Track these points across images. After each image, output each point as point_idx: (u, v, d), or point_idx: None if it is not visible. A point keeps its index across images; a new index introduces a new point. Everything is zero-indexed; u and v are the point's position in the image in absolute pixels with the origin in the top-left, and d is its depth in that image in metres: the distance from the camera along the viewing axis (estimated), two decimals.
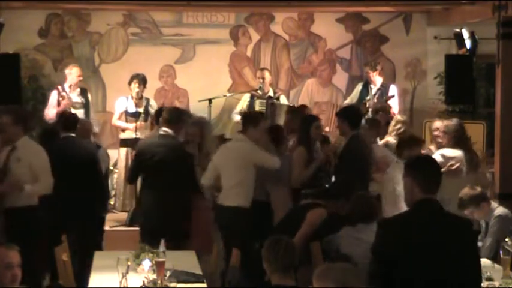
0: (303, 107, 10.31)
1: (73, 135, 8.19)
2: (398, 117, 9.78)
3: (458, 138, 8.34)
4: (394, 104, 10.92)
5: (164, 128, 8.06)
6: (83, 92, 10.66)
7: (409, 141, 7.90)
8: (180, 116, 8.18)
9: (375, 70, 11.07)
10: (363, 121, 9.18)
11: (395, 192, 7.44)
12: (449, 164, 8.07)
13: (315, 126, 8.35)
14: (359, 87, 11.20)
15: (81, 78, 10.69)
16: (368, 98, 10.84)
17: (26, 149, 7.28)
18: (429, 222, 4.49)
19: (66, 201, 7.82)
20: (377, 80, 11.01)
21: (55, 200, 7.55)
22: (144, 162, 8.01)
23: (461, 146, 8.30)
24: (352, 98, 11.15)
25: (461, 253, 4.48)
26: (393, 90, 11.01)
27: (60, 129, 8.27)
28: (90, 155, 8.26)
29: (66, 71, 10.68)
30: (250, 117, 8.07)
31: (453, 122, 8.50)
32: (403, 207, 4.96)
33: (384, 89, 10.94)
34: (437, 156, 8.04)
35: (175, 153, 7.92)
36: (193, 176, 7.89)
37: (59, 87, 10.49)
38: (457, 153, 8.22)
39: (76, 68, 10.67)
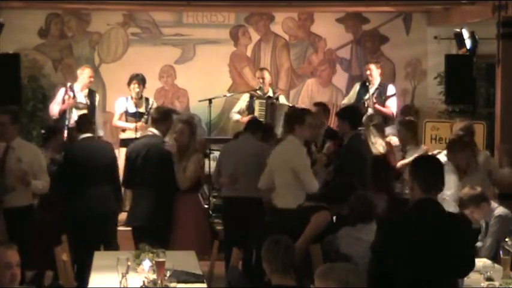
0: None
1: (91, 135, 8.36)
2: (406, 118, 9.77)
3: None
4: (393, 104, 10.92)
5: (150, 128, 8.27)
6: (91, 94, 10.68)
7: (461, 144, 7.91)
8: (165, 115, 8.24)
9: (379, 68, 11.05)
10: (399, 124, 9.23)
11: (442, 196, 7.41)
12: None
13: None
14: (357, 87, 11.17)
15: (92, 79, 10.73)
16: (367, 97, 10.82)
17: (25, 149, 7.51)
18: (428, 221, 4.50)
19: (92, 199, 8.01)
20: (376, 79, 10.99)
21: (82, 199, 7.92)
22: (132, 162, 8.12)
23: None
24: (349, 98, 11.11)
25: (460, 252, 4.48)
26: (391, 89, 11.00)
27: (77, 131, 8.37)
28: (112, 154, 8.46)
29: (78, 71, 10.72)
30: (295, 116, 7.91)
31: (459, 123, 8.64)
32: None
33: (382, 89, 10.93)
34: (441, 156, 8.19)
35: (155, 152, 8.00)
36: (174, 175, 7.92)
37: (68, 85, 10.50)
38: None
39: (88, 69, 10.72)
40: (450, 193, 7.62)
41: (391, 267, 4.47)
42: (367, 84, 10.95)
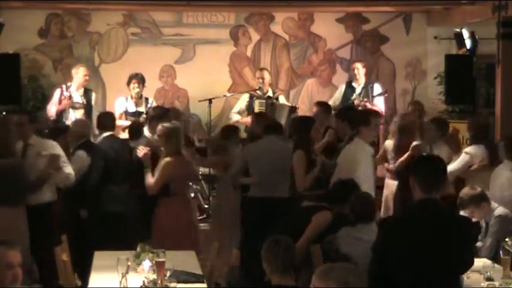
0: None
1: (113, 133, 8.50)
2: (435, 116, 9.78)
3: (476, 134, 8.56)
4: (380, 103, 10.93)
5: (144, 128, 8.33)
6: (87, 93, 10.65)
7: None
8: (160, 115, 8.23)
9: (364, 67, 11.12)
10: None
11: (501, 196, 7.41)
12: (479, 160, 8.33)
13: (315, 128, 8.28)
14: (342, 87, 11.20)
15: (87, 77, 10.67)
16: (354, 97, 10.85)
17: (43, 144, 7.61)
18: (429, 222, 4.48)
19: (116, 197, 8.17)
20: (362, 78, 11.03)
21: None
22: None
23: (480, 142, 8.43)
24: (335, 100, 11.10)
25: (461, 252, 4.48)
26: (378, 88, 11.05)
27: (99, 129, 8.50)
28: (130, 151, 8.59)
29: (73, 71, 10.67)
30: (360, 117, 7.91)
31: (474, 119, 8.70)
32: None
33: (369, 88, 10.97)
34: (463, 154, 8.34)
35: (127, 155, 8.18)
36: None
37: (64, 86, 10.50)
38: (476, 149, 8.41)
39: (83, 68, 10.69)
40: (508, 194, 7.57)
41: (392, 267, 4.47)
42: (353, 84, 11.00)
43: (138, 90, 10.55)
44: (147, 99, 10.73)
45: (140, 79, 10.59)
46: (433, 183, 4.54)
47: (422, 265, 4.43)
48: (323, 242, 6.57)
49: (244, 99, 11.19)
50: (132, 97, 10.59)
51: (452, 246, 4.46)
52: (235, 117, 11.18)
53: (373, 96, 10.88)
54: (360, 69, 11.02)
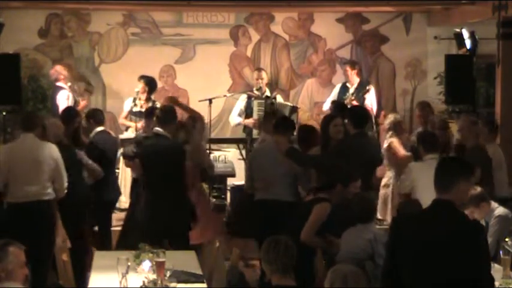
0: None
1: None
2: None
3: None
4: (373, 100, 10.95)
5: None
6: None
7: None
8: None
9: (354, 69, 11.18)
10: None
11: None
12: None
13: (333, 124, 8.14)
14: (337, 87, 11.33)
15: None
16: (346, 96, 10.93)
17: None
18: (440, 222, 4.44)
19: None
20: (355, 79, 11.12)
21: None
22: None
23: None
24: (332, 98, 11.19)
25: (472, 254, 4.44)
26: (368, 86, 11.15)
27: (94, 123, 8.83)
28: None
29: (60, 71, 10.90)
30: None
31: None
32: None
33: (361, 88, 11.06)
34: None
35: None
36: None
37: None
38: None
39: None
40: None
41: (402, 266, 4.44)
42: (347, 84, 11.19)
43: (143, 91, 10.58)
44: (154, 102, 10.73)
45: (145, 82, 10.60)
46: (446, 183, 4.48)
47: (431, 265, 4.40)
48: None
49: (242, 99, 11.17)
50: (140, 99, 10.61)
51: (462, 248, 4.41)
52: (236, 120, 11.10)
53: (363, 92, 10.95)
54: (348, 71, 11.20)
